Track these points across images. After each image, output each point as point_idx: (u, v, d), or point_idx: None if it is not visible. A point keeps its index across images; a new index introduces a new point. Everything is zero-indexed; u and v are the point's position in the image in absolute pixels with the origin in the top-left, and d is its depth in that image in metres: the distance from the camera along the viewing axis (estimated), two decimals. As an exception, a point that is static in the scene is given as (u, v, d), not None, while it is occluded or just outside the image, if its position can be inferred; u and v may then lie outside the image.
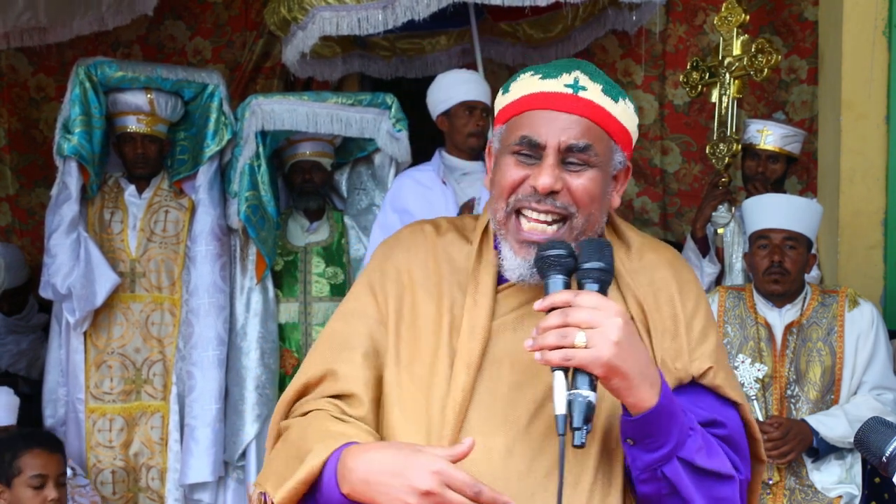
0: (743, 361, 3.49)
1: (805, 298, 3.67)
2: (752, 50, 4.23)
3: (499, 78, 5.39)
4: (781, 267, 3.59)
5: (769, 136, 4.25)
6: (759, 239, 3.66)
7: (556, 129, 1.56)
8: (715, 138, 4.41)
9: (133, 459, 4.27)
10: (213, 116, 4.34)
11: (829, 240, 4.28)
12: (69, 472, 3.86)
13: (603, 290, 1.48)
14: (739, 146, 4.31)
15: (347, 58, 4.96)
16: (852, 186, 4.21)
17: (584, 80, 1.58)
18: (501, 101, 1.66)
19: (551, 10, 4.61)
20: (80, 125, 4.16)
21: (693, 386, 1.61)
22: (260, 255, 4.31)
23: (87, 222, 4.30)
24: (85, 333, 4.25)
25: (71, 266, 4.14)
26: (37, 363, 5.00)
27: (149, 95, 4.33)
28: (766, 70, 4.20)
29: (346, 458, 1.48)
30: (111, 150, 4.43)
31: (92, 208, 4.35)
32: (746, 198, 4.00)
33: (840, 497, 3.49)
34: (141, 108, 4.33)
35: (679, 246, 4.50)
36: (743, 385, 3.46)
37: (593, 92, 1.58)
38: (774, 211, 3.66)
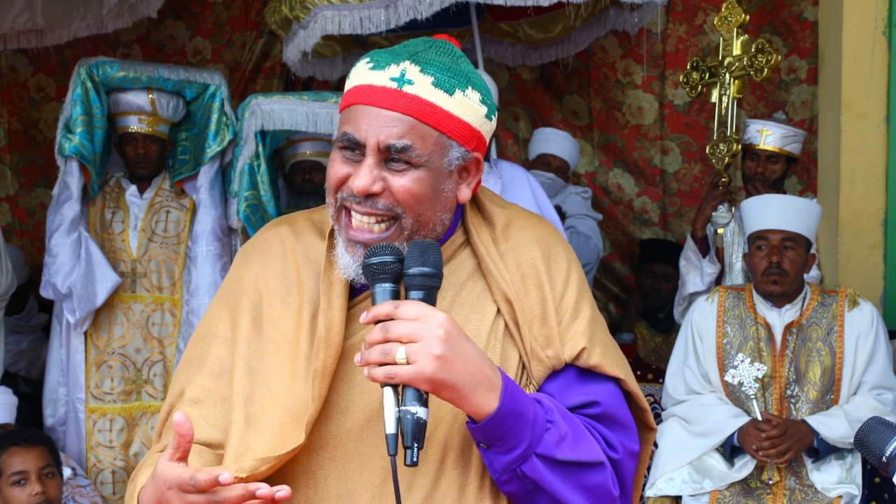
0: (742, 361, 3.49)
1: (805, 298, 3.67)
2: (752, 50, 4.23)
3: (498, 78, 5.40)
4: (780, 268, 3.59)
5: (769, 136, 4.25)
6: (758, 240, 3.66)
7: (376, 127, 1.48)
8: (715, 138, 4.41)
9: (133, 460, 4.27)
10: (215, 117, 4.35)
11: (829, 240, 4.28)
12: (69, 472, 3.86)
13: (430, 296, 1.43)
14: (739, 146, 4.32)
15: (348, 57, 4.96)
16: (852, 186, 4.21)
17: (412, 72, 1.49)
18: (346, 82, 1.59)
19: (552, 10, 4.61)
20: (82, 125, 4.17)
21: (567, 370, 1.58)
22: (260, 254, 4.30)
23: (88, 222, 4.31)
24: (85, 333, 4.25)
25: (72, 266, 4.14)
26: (37, 363, 5.00)
27: (150, 96, 4.33)
28: (766, 70, 4.20)
29: None
30: (113, 151, 4.44)
31: (93, 208, 4.35)
32: (746, 198, 4.00)
33: (840, 497, 3.49)
34: (143, 109, 4.33)
35: (678, 247, 4.50)
36: (742, 384, 3.46)
37: (421, 86, 1.48)
38: (773, 212, 3.66)
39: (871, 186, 4.19)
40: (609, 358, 1.60)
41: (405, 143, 1.48)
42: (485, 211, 1.66)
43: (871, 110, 4.16)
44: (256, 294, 1.63)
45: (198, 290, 4.25)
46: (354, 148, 1.51)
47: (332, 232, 1.61)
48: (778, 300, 3.65)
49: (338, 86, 5.31)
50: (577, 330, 1.58)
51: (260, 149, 4.29)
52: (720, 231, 4.29)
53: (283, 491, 1.34)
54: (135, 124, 4.34)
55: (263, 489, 1.33)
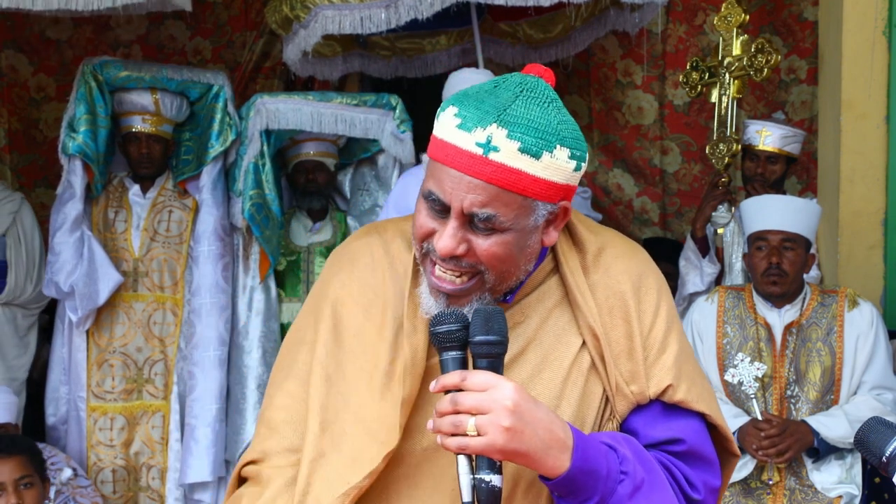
0: (742, 360, 3.49)
1: (805, 298, 3.67)
2: (752, 50, 4.24)
3: (499, 78, 5.38)
4: (779, 268, 3.60)
5: (768, 136, 4.26)
6: (757, 240, 3.67)
7: (460, 193, 1.46)
8: (715, 138, 4.42)
9: (133, 459, 4.27)
10: (218, 117, 4.35)
11: (829, 240, 4.28)
12: (70, 472, 3.85)
13: (495, 364, 1.45)
14: (739, 146, 4.32)
15: (348, 57, 4.96)
16: (852, 186, 4.21)
17: (498, 137, 1.44)
18: (435, 126, 1.55)
19: (553, 11, 4.61)
20: (85, 124, 4.17)
21: (653, 405, 1.59)
22: (263, 254, 4.31)
23: (91, 221, 4.31)
24: (87, 332, 4.26)
25: (74, 264, 4.15)
26: (38, 363, 5.01)
27: (154, 95, 4.34)
28: (765, 70, 4.21)
29: None
30: (117, 150, 4.44)
31: (96, 207, 4.35)
32: (746, 198, 4.00)
33: (840, 497, 3.50)
34: (146, 108, 4.34)
35: (679, 246, 4.50)
36: (742, 384, 3.46)
37: (507, 153, 1.44)
38: (772, 212, 3.67)
39: (871, 186, 4.20)
40: (695, 393, 1.60)
41: (488, 213, 1.47)
42: (576, 236, 1.66)
43: (871, 110, 4.17)
44: (340, 302, 1.65)
45: (199, 290, 4.26)
46: (439, 207, 1.50)
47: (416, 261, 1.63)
48: (778, 300, 3.65)
49: (338, 86, 5.31)
50: (664, 365, 1.59)
51: (264, 147, 4.30)
52: (720, 231, 4.29)
53: None
54: (138, 124, 4.35)
55: None
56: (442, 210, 1.50)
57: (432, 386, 1.45)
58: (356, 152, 4.65)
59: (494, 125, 1.46)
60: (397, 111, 4.35)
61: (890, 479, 1.55)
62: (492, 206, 1.46)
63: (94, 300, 4.16)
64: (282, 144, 4.53)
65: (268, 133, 4.32)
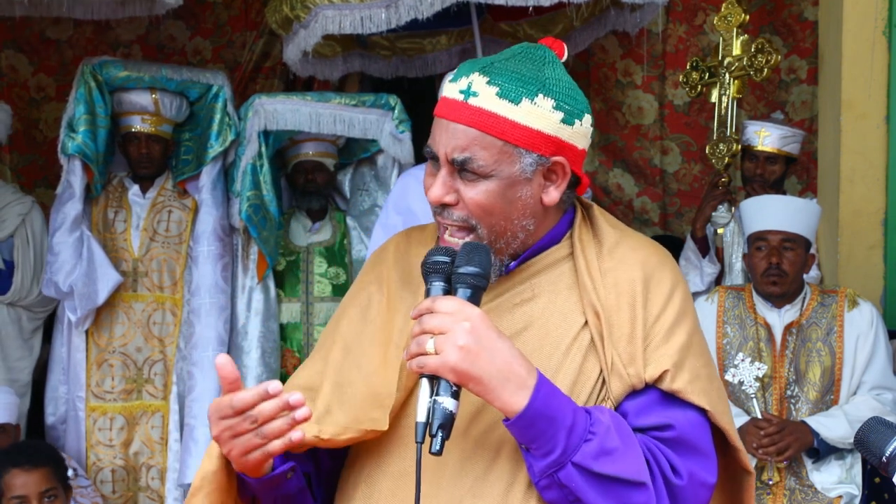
0: (743, 360, 3.49)
1: (804, 299, 3.67)
2: (752, 50, 4.24)
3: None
4: (779, 269, 3.59)
5: (767, 137, 4.26)
6: (757, 241, 3.66)
7: (445, 140, 1.54)
8: (715, 138, 4.42)
9: (133, 459, 4.27)
10: (217, 117, 4.35)
11: (829, 240, 4.28)
12: (70, 472, 3.85)
13: (475, 295, 1.48)
14: (739, 146, 4.32)
15: (348, 57, 4.96)
16: (852, 186, 4.21)
17: (478, 83, 1.53)
18: None
19: (553, 11, 4.60)
20: (85, 124, 4.17)
21: (650, 392, 1.57)
22: (262, 254, 4.31)
23: (90, 221, 4.31)
24: (87, 332, 4.26)
25: (73, 264, 4.15)
26: (38, 362, 5.01)
27: (154, 95, 4.34)
28: (766, 70, 4.21)
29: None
30: (116, 150, 4.44)
31: (96, 207, 4.36)
32: (745, 198, 4.00)
33: (840, 497, 3.50)
34: (146, 108, 4.34)
35: (679, 246, 4.50)
36: (742, 384, 3.46)
37: (485, 97, 1.52)
38: (771, 212, 3.66)
39: (871, 186, 4.20)
40: (697, 386, 1.57)
41: (465, 156, 1.53)
42: (596, 229, 1.67)
43: (871, 110, 4.17)
44: (378, 283, 1.72)
45: (198, 290, 4.26)
46: (434, 159, 1.57)
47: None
48: (778, 300, 3.65)
49: (339, 86, 5.31)
50: (665, 353, 1.57)
51: (263, 148, 4.30)
52: (720, 231, 4.29)
53: (302, 411, 1.43)
54: (138, 124, 4.34)
55: (296, 395, 1.43)
56: (436, 162, 1.57)
57: (412, 312, 1.48)
58: (355, 152, 4.65)
59: (477, 73, 1.54)
60: (396, 111, 4.35)
61: (890, 479, 1.55)
62: (470, 150, 1.52)
63: (94, 300, 4.16)
64: (281, 145, 4.53)
65: (266, 133, 4.32)
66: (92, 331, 4.26)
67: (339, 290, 4.45)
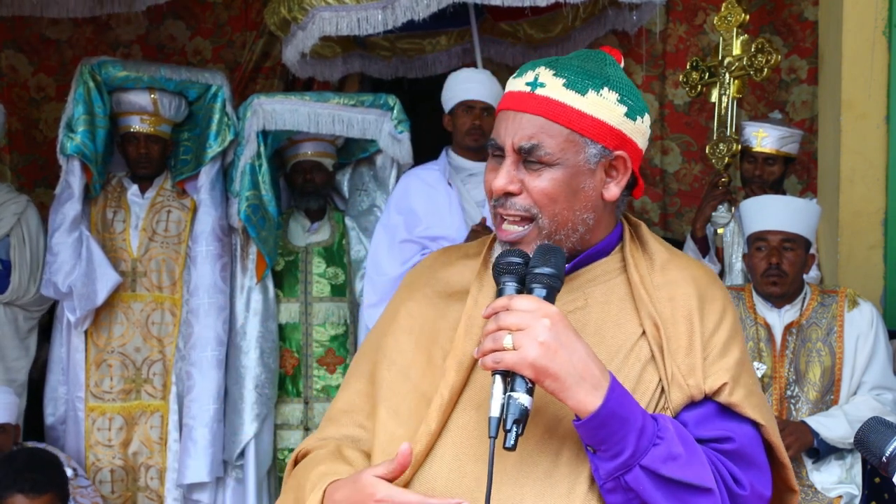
0: (742, 361, 3.49)
1: (804, 299, 3.66)
2: (752, 50, 4.23)
3: (499, 78, 5.39)
4: (779, 269, 3.59)
5: (765, 138, 4.25)
6: (757, 241, 3.66)
7: (511, 130, 1.56)
8: (715, 138, 4.41)
9: (132, 459, 4.27)
10: (216, 117, 4.35)
11: (829, 240, 4.28)
12: (71, 472, 3.84)
13: (549, 295, 1.48)
14: (739, 146, 4.32)
15: (348, 58, 4.96)
16: (852, 186, 4.21)
17: (545, 75, 1.57)
18: None
19: (552, 10, 4.60)
20: (84, 124, 4.17)
21: (707, 404, 1.58)
22: (260, 254, 4.31)
23: (89, 221, 4.31)
24: (86, 332, 4.26)
25: (72, 264, 4.15)
26: (37, 363, 5.01)
27: (152, 95, 4.34)
28: (766, 70, 4.21)
29: (326, 500, 1.56)
30: (115, 150, 4.44)
31: (95, 207, 4.35)
32: (745, 198, 4.00)
33: (840, 497, 3.49)
34: (145, 108, 4.34)
35: (679, 246, 4.50)
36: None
37: (552, 88, 1.56)
38: (771, 212, 3.66)
39: (871, 186, 4.20)
40: (752, 402, 1.59)
41: (533, 143, 1.55)
42: (646, 245, 1.69)
43: (871, 110, 4.16)
44: (415, 299, 1.74)
45: (197, 290, 4.26)
46: (499, 153, 1.59)
47: (492, 242, 1.71)
48: (778, 301, 3.65)
49: (338, 86, 5.31)
50: (723, 366, 1.58)
51: (261, 148, 4.30)
52: (720, 231, 4.29)
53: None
54: (137, 124, 4.34)
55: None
56: (501, 155, 1.58)
57: (483, 311, 1.49)
58: (354, 152, 4.65)
59: (543, 67, 1.59)
60: (395, 111, 4.34)
61: (890, 479, 1.55)
62: (537, 138, 1.55)
63: (93, 300, 4.16)
64: (280, 145, 4.53)
65: (265, 133, 4.31)
66: (91, 331, 4.26)
67: (338, 291, 4.45)
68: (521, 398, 1.42)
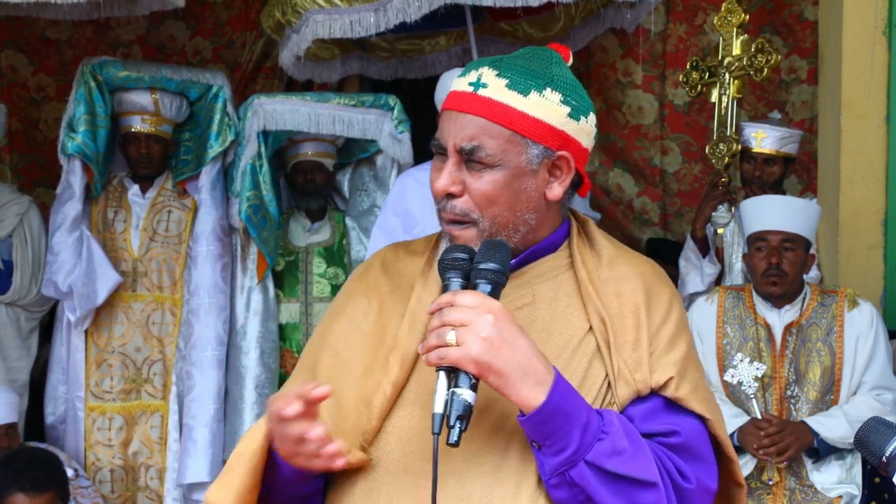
0: (742, 360, 3.49)
1: (804, 299, 3.66)
2: (752, 50, 4.23)
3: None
4: (779, 269, 3.59)
5: (764, 139, 4.25)
6: (757, 241, 3.66)
7: (453, 131, 1.56)
8: (715, 138, 4.41)
9: (132, 458, 4.27)
10: (217, 117, 4.36)
11: (829, 240, 4.28)
12: (71, 472, 3.84)
13: (496, 290, 1.49)
14: (739, 146, 4.32)
15: (346, 59, 4.96)
16: (852, 186, 4.21)
17: (488, 76, 1.56)
18: None
19: (548, 10, 4.60)
20: (85, 124, 4.18)
21: (654, 399, 1.58)
22: (261, 254, 4.31)
23: (90, 221, 4.32)
24: (86, 332, 4.26)
25: (73, 264, 4.15)
26: (37, 362, 5.01)
27: (154, 95, 4.34)
28: (766, 70, 4.21)
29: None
30: (116, 150, 4.44)
31: (96, 207, 4.36)
32: (745, 198, 4.00)
33: (840, 497, 3.49)
34: (146, 108, 4.34)
35: (679, 246, 4.50)
36: (741, 384, 3.46)
37: (494, 88, 1.55)
38: (771, 213, 3.66)
39: (871, 186, 4.20)
40: (698, 396, 1.60)
41: (474, 145, 1.54)
42: (594, 242, 1.69)
43: (871, 110, 4.16)
44: (365, 292, 1.72)
45: (197, 290, 4.26)
46: (442, 152, 1.59)
47: (439, 240, 1.70)
48: (778, 301, 3.65)
49: (338, 87, 5.31)
50: (669, 361, 1.59)
51: (262, 149, 4.30)
52: (720, 231, 4.29)
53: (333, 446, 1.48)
54: (138, 124, 4.35)
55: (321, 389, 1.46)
56: (444, 154, 1.58)
57: (429, 307, 1.48)
58: (355, 152, 4.65)
59: (487, 67, 1.58)
60: (395, 111, 4.34)
61: (890, 479, 1.55)
62: (478, 139, 1.54)
63: (93, 300, 4.16)
64: (280, 145, 4.53)
65: (265, 134, 4.32)
66: (91, 331, 4.26)
67: (338, 291, 4.45)
68: (465, 394, 1.43)
